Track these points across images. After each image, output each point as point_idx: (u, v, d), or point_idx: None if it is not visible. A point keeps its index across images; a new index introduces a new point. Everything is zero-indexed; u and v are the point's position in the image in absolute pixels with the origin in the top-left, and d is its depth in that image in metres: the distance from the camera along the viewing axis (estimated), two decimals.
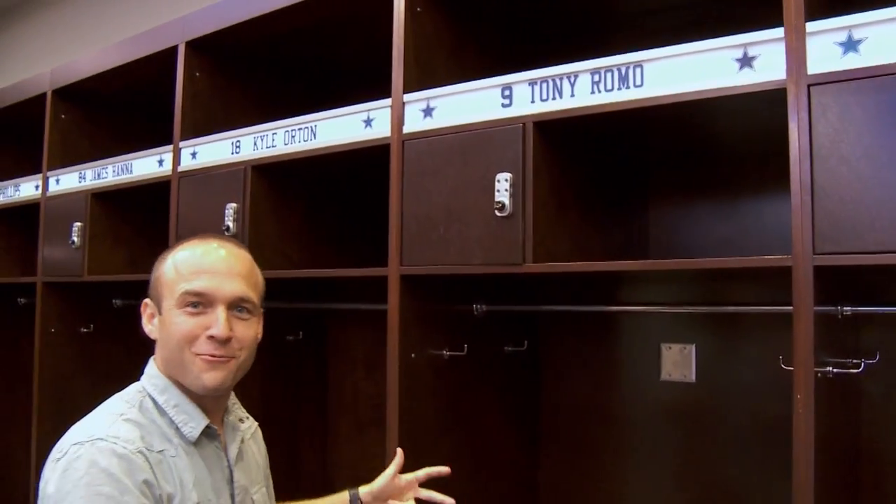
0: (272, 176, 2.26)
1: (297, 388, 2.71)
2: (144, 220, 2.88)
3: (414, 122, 1.88)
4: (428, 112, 1.86)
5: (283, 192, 2.32)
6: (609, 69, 1.62)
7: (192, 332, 1.27)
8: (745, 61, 1.45)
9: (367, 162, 2.12)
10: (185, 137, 2.43)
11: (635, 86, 1.58)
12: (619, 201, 2.09)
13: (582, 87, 1.65)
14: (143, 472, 1.17)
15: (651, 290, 2.17)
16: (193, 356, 1.27)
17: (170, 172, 2.47)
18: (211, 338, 1.27)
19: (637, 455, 2.19)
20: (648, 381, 2.17)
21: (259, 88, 2.62)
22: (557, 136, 1.74)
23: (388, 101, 1.93)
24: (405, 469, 1.67)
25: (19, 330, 3.55)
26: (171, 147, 2.46)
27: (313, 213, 2.43)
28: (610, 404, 2.24)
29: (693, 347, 2.11)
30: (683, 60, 1.52)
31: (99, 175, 2.78)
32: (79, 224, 2.81)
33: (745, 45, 1.46)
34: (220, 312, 1.28)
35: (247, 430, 1.47)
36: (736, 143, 1.98)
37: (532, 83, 1.72)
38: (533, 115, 1.70)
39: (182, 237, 2.26)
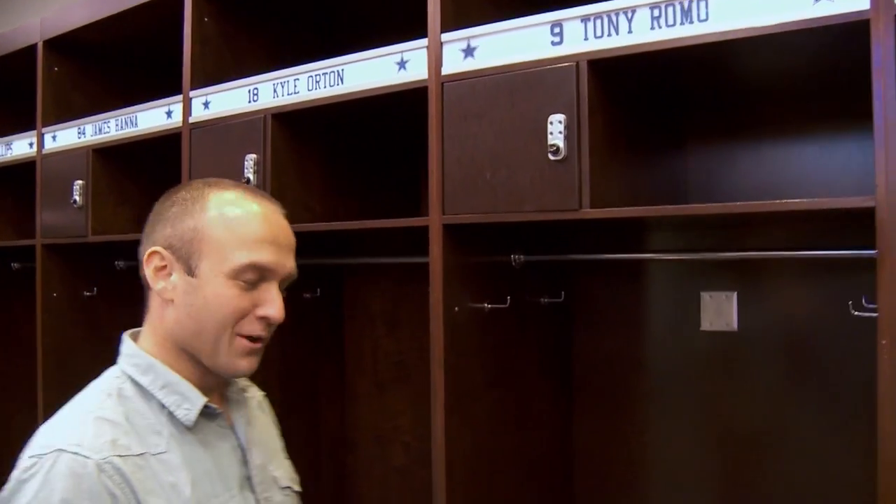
0: (294, 124, 2.14)
1: (315, 348, 2.62)
2: (151, 177, 2.74)
3: (453, 62, 1.77)
4: (469, 52, 1.75)
5: (306, 141, 2.20)
6: (670, 3, 1.52)
7: (243, 310, 1.10)
8: None
9: (398, 108, 2.02)
10: (195, 86, 2.29)
11: (699, 20, 1.49)
12: (662, 144, 2.02)
13: (640, 22, 1.55)
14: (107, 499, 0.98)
15: (690, 236, 2.10)
16: (233, 336, 1.11)
17: (180, 124, 2.34)
18: (264, 318, 1.12)
19: (674, 407, 2.14)
20: (688, 332, 2.11)
21: (272, 35, 2.47)
22: (612, 75, 1.65)
23: (423, 42, 1.82)
24: (449, 431, 1.59)
25: (14, 296, 3.42)
26: (180, 97, 2.33)
27: (336, 164, 2.31)
28: (647, 356, 2.19)
29: (735, 295, 2.06)
30: None
31: (100, 130, 2.64)
32: (80, 182, 2.67)
33: None
34: (276, 290, 1.13)
35: (251, 399, 1.32)
36: (784, 82, 1.90)
37: (585, 19, 1.61)
38: (587, 54, 1.60)
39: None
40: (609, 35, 1.59)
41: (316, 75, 2.02)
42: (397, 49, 1.87)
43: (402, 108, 1.97)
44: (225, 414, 1.20)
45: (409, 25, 1.87)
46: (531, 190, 1.65)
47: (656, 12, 1.53)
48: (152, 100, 2.45)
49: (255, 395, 1.37)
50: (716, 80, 1.87)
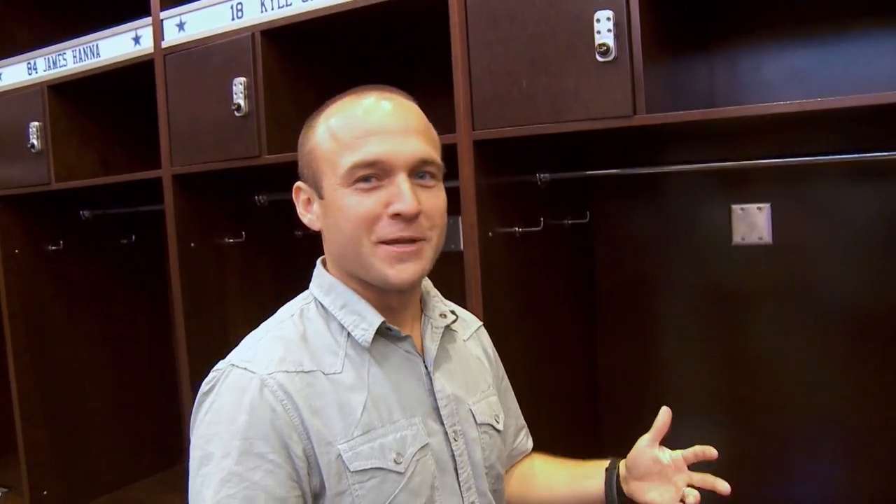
0: (286, 42, 1.92)
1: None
2: (117, 114, 2.50)
3: None
4: None
5: (300, 61, 1.98)
6: None
7: (372, 213, 1.00)
8: None
9: (410, 16, 1.82)
10: (166, 6, 2.04)
11: None
12: (690, 45, 1.85)
13: None
14: (269, 418, 0.96)
15: (717, 147, 1.97)
16: (374, 245, 1.02)
17: (151, 50, 2.09)
18: (396, 216, 1.00)
19: (706, 331, 2.04)
20: (719, 247, 1.99)
21: None
22: None
23: None
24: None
25: None
26: (149, 20, 2.08)
27: (330, 85, 2.07)
28: (673, 274, 2.07)
29: (769, 207, 1.94)
30: None
31: (55, 63, 2.36)
32: (36, 124, 2.40)
33: None
34: (403, 182, 1.01)
35: (457, 326, 1.20)
36: None
37: None
38: None
39: (177, 124, 2.04)
40: None
41: None
42: None
43: (410, 17, 1.77)
44: (414, 339, 1.11)
45: None
46: (576, 97, 1.48)
47: None
48: (115, 25, 2.18)
49: (468, 325, 1.28)
50: None
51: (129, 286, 2.83)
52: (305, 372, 1.01)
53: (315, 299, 1.10)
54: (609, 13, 1.43)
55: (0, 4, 2.59)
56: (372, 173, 1.00)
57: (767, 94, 1.86)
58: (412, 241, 1.02)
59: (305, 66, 1.99)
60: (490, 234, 1.66)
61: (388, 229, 1.01)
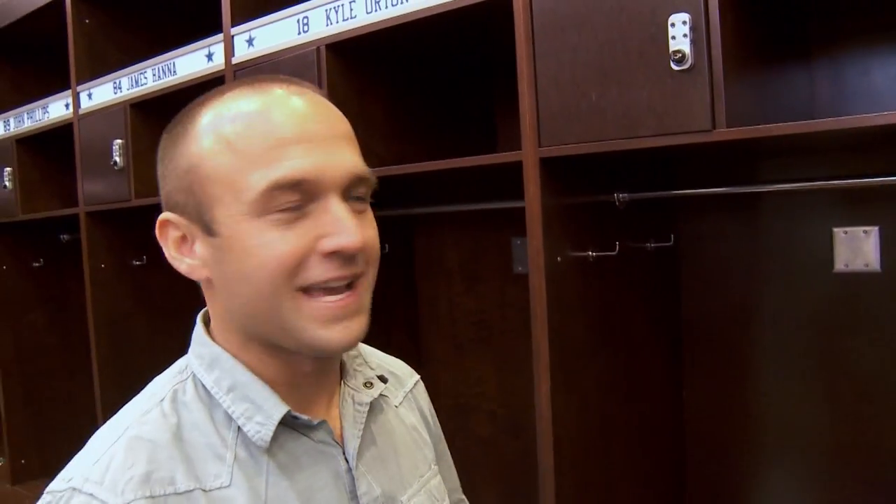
0: (351, 56, 1.86)
1: (385, 310, 2.37)
2: None
3: None
4: None
5: (365, 74, 1.91)
6: None
7: (299, 253, 0.73)
8: None
9: (473, 27, 1.73)
10: (237, 22, 2.02)
11: None
12: (785, 53, 1.68)
13: None
14: None
15: (815, 163, 1.78)
16: (298, 297, 0.74)
17: (222, 66, 2.08)
18: (333, 253, 0.73)
19: (800, 364, 1.84)
20: (819, 274, 1.80)
21: None
22: None
23: None
24: (556, 404, 1.32)
25: (66, 270, 3.25)
26: (220, 36, 2.07)
27: (399, 102, 2.02)
28: (767, 305, 1.88)
29: (877, 230, 1.74)
30: None
31: (137, 82, 2.39)
32: (119, 141, 2.44)
33: None
34: (337, 207, 0.74)
35: (389, 389, 0.94)
36: None
37: None
38: None
39: None
40: None
41: None
42: None
43: (478, 27, 1.68)
44: (332, 422, 0.83)
45: None
46: (650, 109, 1.35)
47: None
48: (191, 42, 2.19)
49: (401, 382, 0.99)
50: None
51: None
52: (179, 494, 0.72)
53: (194, 375, 0.80)
54: (685, 16, 1.29)
55: (93, 26, 2.65)
56: (298, 198, 0.73)
57: (877, 104, 1.67)
58: (349, 285, 0.76)
59: (371, 80, 1.93)
60: (559, 258, 1.54)
61: (316, 271, 0.73)
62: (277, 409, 0.78)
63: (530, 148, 1.50)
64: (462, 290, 2.39)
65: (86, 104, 2.60)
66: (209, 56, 2.12)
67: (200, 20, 2.32)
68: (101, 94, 2.54)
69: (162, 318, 2.66)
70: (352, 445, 0.84)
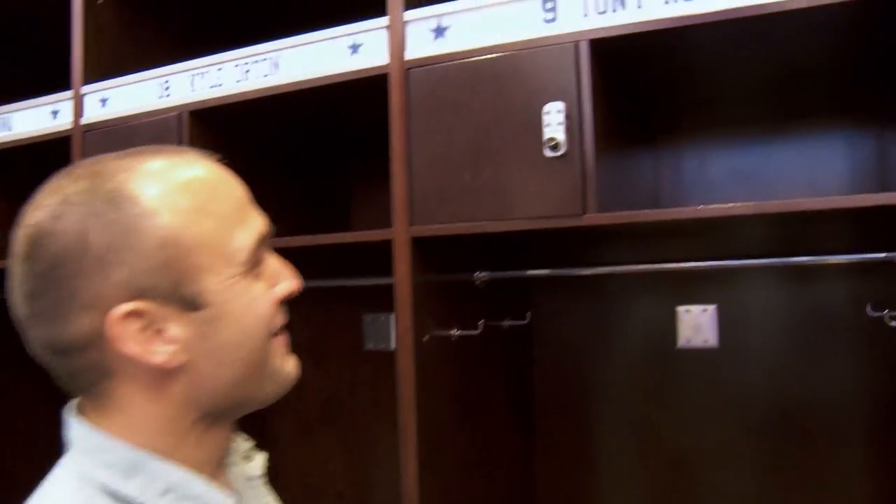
0: (216, 124, 1.80)
1: None
2: (24, 193, 2.31)
3: (421, 45, 1.50)
4: (440, 32, 1.48)
5: (231, 144, 1.85)
6: None
7: (277, 301, 0.78)
8: None
9: (346, 103, 1.73)
10: (89, 80, 1.91)
11: None
12: (638, 141, 1.80)
13: None
14: None
15: (661, 245, 1.90)
16: (273, 340, 0.78)
17: (70, 126, 1.94)
18: (287, 295, 0.80)
19: (645, 436, 1.94)
20: (663, 350, 1.91)
21: (182, 23, 2.13)
22: (612, 58, 1.42)
23: (382, 21, 1.54)
24: (424, 485, 1.30)
25: None
26: (70, 94, 1.94)
27: (258, 171, 1.94)
28: (616, 381, 1.97)
29: (714, 308, 1.87)
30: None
31: None
32: None
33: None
34: (273, 256, 0.80)
35: (255, 465, 0.89)
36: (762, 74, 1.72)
37: None
38: (588, 32, 1.36)
39: None
40: (614, 11, 1.35)
41: (245, 63, 1.69)
42: (347, 31, 1.58)
43: (353, 101, 1.68)
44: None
45: (359, 8, 1.59)
46: (523, 193, 1.39)
47: None
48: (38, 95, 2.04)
49: (259, 459, 0.91)
50: (702, 68, 1.67)
51: None
52: None
53: (104, 487, 0.70)
54: (560, 105, 1.35)
55: None
56: (262, 253, 0.77)
57: (712, 193, 1.84)
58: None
59: (232, 148, 1.85)
60: (426, 337, 1.53)
61: (280, 314, 0.79)
62: (226, 499, 0.75)
63: (402, 226, 1.50)
64: (311, 366, 2.31)
65: None
66: (54, 113, 1.98)
67: (43, 75, 2.18)
68: None
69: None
70: None
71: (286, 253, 1.77)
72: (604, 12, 1.35)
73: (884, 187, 1.70)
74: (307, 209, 2.14)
